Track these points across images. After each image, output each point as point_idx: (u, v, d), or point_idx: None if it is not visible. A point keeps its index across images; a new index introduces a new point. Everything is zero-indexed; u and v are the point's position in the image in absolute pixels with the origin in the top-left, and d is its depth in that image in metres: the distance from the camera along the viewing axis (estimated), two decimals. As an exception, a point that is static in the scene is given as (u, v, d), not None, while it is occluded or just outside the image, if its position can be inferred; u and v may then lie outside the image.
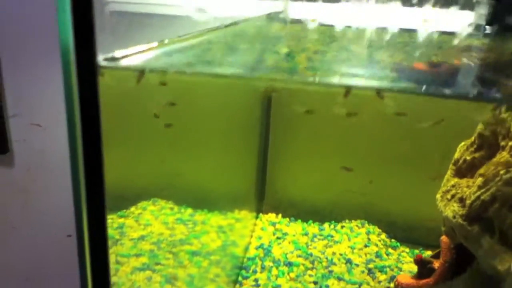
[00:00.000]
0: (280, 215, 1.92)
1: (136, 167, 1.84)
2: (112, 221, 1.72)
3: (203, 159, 1.76)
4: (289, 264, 1.58)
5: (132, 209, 1.80)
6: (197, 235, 1.65)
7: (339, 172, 1.91)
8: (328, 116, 1.79)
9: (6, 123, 0.68)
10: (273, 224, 1.86)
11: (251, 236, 1.76)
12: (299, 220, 1.91)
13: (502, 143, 0.96)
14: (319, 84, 0.98)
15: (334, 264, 1.61)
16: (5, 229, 0.76)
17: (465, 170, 1.04)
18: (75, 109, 0.55)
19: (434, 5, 1.53)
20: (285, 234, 1.79)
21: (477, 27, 1.63)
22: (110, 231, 1.62)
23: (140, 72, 0.61)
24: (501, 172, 0.91)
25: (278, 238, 1.76)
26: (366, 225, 1.86)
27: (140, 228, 1.65)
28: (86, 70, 0.43)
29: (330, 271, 1.56)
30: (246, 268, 1.56)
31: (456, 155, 1.09)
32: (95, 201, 0.68)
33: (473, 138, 1.07)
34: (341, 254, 1.66)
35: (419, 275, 1.12)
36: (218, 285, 1.45)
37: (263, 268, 1.57)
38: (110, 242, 1.57)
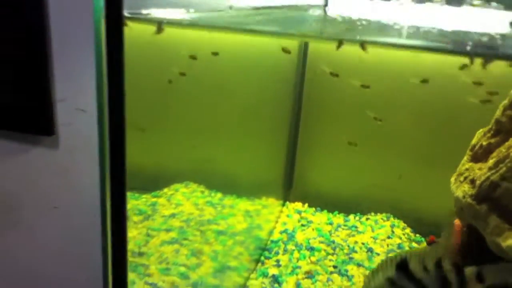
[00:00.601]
0: (306, 205, 1.97)
1: (170, 152, 1.94)
2: (146, 199, 1.84)
3: (234, 147, 1.85)
4: (311, 249, 1.64)
5: (166, 190, 1.91)
6: (224, 216, 1.74)
7: (369, 165, 1.94)
8: (362, 100, 1.81)
9: (54, 107, 0.72)
10: (299, 212, 1.91)
11: (277, 222, 1.82)
12: (325, 211, 1.95)
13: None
14: (354, 41, 1.05)
15: (355, 251, 1.65)
16: (46, 208, 0.81)
17: (481, 155, 1.07)
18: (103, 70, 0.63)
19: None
20: (310, 222, 1.84)
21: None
22: (144, 207, 1.72)
23: (158, 24, 0.69)
24: (511, 154, 0.93)
25: (302, 225, 1.82)
26: (392, 219, 1.89)
27: (172, 207, 1.75)
28: (113, 21, 0.51)
29: (351, 258, 1.61)
30: (269, 250, 1.63)
31: (474, 141, 1.11)
32: (117, 177, 0.74)
33: (491, 124, 1.09)
34: (363, 243, 1.70)
35: (431, 257, 1.14)
36: (241, 262, 1.52)
37: (285, 250, 1.63)
38: (142, 217, 1.68)
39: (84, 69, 0.66)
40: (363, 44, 0.82)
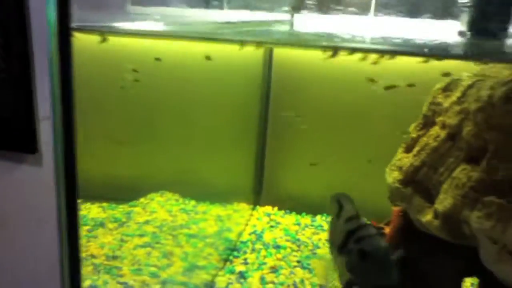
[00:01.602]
0: (276, 208, 2.08)
1: (147, 164, 2.05)
2: (123, 209, 1.94)
3: (207, 157, 1.96)
4: (277, 247, 1.74)
5: (142, 199, 2.01)
6: (196, 221, 1.84)
7: (335, 168, 2.05)
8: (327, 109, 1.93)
9: (37, 125, 0.75)
10: (269, 215, 2.02)
11: (247, 224, 1.92)
12: (294, 213, 2.06)
13: (436, 120, 1.11)
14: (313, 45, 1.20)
15: (319, 247, 1.75)
16: (34, 224, 0.84)
17: (411, 147, 1.19)
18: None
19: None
20: (279, 223, 1.95)
21: (462, 33, 1.80)
22: (119, 215, 1.83)
23: (101, 33, 0.81)
24: (430, 141, 1.06)
25: (271, 226, 1.92)
26: (356, 217, 1.99)
27: (146, 215, 1.85)
28: (64, 32, 0.63)
29: (314, 253, 1.71)
30: (238, 250, 1.73)
31: (409, 135, 1.24)
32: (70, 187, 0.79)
33: (420, 119, 1.22)
34: (326, 240, 1.81)
35: (374, 241, 1.25)
36: (210, 261, 1.62)
37: (253, 250, 1.73)
38: (116, 224, 1.78)
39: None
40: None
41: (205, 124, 1.93)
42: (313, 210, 2.07)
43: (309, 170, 2.09)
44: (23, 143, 0.77)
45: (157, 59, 1.48)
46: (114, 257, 1.56)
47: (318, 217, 2.03)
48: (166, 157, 2.01)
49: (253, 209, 2.07)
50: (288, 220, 2.00)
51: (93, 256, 1.55)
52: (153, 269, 1.51)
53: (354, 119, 1.97)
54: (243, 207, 2.03)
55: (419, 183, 1.06)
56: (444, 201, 0.95)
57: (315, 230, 1.90)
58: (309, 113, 2.02)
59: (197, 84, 1.84)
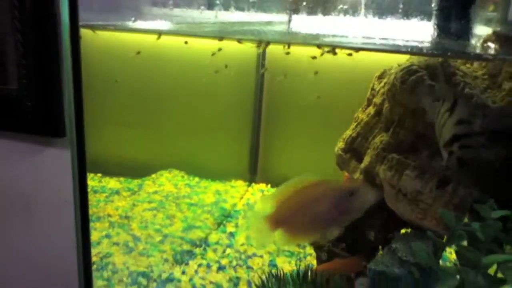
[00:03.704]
0: (269, 185, 2.38)
1: (160, 147, 2.39)
2: (137, 182, 2.28)
3: (210, 141, 2.29)
4: (265, 215, 2.05)
5: (153, 175, 2.36)
6: (197, 193, 2.17)
7: (327, 150, 2.33)
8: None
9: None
10: (262, 191, 2.33)
11: (241, 198, 2.24)
12: (285, 190, 2.36)
13: (373, 101, 1.40)
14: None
15: (300, 216, 2.05)
16: (60, 203, 0.92)
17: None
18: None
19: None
20: (269, 197, 2.26)
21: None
22: (130, 185, 2.18)
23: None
24: (364, 117, 1.35)
25: (263, 200, 2.23)
26: (338, 194, 2.28)
27: (155, 186, 2.19)
28: (73, 29, 0.91)
29: (295, 220, 2.01)
30: (231, 216, 2.05)
31: (355, 115, 1.52)
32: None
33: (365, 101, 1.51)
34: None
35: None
36: (205, 224, 1.95)
37: (244, 217, 2.04)
38: (130, 193, 2.12)
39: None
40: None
41: (208, 112, 2.26)
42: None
43: (300, 153, 2.38)
44: (53, 128, 0.86)
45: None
46: (126, 217, 1.91)
47: (305, 193, 2.32)
48: (175, 142, 2.35)
49: (249, 186, 2.38)
50: (279, 195, 2.30)
51: (109, 216, 1.90)
52: (157, 226, 1.85)
53: (342, 105, 2.22)
54: (240, 184, 2.35)
55: (355, 150, 1.35)
56: (365, 160, 1.24)
57: (300, 203, 2.20)
58: (300, 100, 2.30)
59: (199, 77, 2.16)
